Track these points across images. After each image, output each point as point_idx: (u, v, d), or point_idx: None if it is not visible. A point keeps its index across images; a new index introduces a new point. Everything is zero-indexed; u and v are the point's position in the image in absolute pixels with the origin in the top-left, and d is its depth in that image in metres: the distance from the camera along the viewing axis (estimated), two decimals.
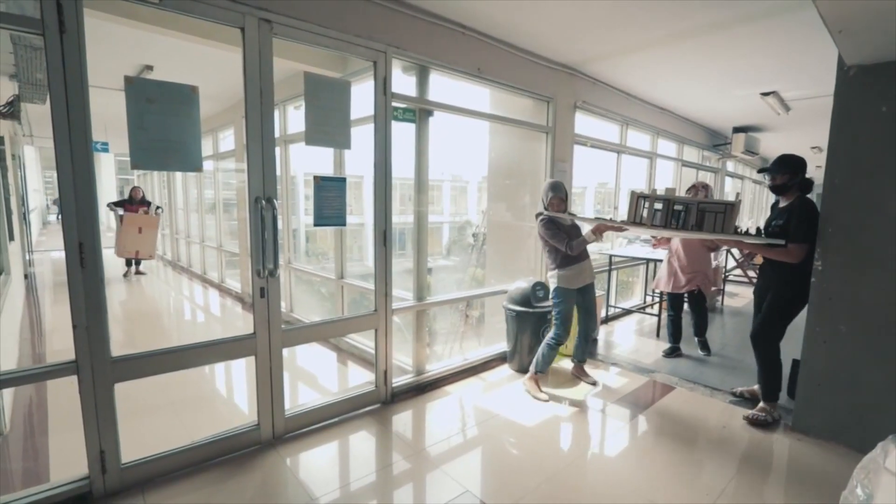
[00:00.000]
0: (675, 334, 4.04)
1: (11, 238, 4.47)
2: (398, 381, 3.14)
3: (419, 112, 3.05)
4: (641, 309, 5.48)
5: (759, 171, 2.92)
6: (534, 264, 4.13)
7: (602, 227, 2.95)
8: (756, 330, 2.83)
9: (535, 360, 3.22)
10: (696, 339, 4.12)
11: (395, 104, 2.85)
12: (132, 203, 7.15)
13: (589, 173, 5.36)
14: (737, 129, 6.43)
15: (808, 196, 2.73)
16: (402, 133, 2.95)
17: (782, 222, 2.65)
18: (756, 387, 3.07)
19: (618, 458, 2.47)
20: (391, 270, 2.92)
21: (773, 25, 2.94)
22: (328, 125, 2.55)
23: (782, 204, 2.77)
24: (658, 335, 4.56)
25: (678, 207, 2.47)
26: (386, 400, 3.00)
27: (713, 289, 3.93)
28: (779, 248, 2.58)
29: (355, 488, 2.16)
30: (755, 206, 10.89)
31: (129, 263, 7.60)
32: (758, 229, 2.65)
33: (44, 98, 4.16)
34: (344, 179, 2.79)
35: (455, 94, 3.27)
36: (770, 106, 4.87)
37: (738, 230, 2.55)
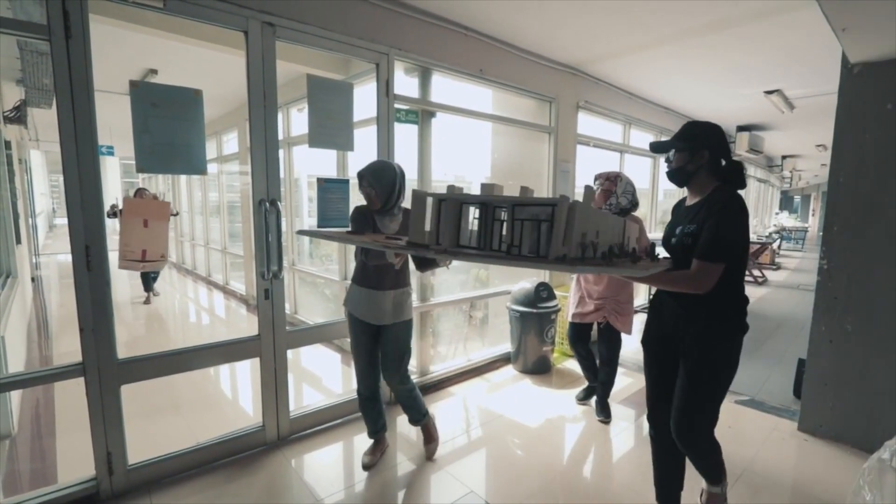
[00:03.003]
0: (590, 370, 3.01)
1: (18, 241, 4.51)
2: None
3: (422, 113, 3.06)
4: (645, 309, 5.46)
5: (652, 149, 1.78)
6: None
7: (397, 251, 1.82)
8: (679, 421, 1.68)
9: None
10: (594, 398, 2.98)
11: (397, 106, 2.85)
12: None
13: (592, 173, 5.32)
14: (741, 128, 6.40)
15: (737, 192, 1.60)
16: (405, 134, 2.96)
17: (694, 228, 1.58)
18: (703, 488, 1.97)
19: (622, 459, 2.47)
20: None
21: (777, 23, 2.92)
22: (331, 127, 2.56)
23: (690, 202, 1.70)
24: None
25: (503, 216, 1.17)
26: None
27: (623, 320, 2.80)
28: (674, 273, 1.57)
29: (360, 489, 2.17)
30: (760, 207, 10.61)
31: (147, 285, 5.92)
32: (652, 245, 1.54)
33: (50, 102, 4.20)
34: (347, 181, 2.81)
35: (457, 95, 3.27)
36: (774, 104, 4.85)
37: (635, 250, 1.40)
